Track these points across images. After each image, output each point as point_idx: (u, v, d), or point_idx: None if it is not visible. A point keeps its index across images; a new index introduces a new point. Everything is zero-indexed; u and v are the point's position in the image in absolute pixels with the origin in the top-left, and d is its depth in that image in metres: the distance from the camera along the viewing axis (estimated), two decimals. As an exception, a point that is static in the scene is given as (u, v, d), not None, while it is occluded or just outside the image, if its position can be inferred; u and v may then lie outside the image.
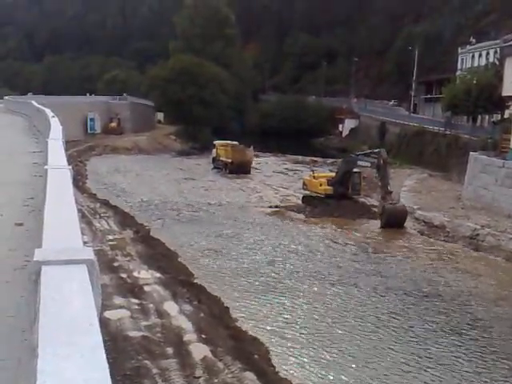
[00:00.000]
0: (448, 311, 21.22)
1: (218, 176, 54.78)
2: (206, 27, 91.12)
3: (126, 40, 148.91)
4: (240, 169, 55.30)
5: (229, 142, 60.27)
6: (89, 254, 3.02)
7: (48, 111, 21.81)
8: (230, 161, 56.29)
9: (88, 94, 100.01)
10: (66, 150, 11.64)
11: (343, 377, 15.92)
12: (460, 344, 18.35)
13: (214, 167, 59.54)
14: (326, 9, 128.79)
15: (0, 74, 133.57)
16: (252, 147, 59.59)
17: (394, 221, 33.33)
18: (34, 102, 32.76)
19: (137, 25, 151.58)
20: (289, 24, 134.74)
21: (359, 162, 37.56)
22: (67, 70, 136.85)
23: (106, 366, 1.90)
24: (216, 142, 61.13)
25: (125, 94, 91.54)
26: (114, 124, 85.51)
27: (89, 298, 2.43)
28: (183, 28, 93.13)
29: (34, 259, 2.92)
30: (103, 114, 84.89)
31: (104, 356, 1.94)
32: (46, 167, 7.20)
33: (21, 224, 7.56)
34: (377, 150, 38.74)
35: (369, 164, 36.83)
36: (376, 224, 34.19)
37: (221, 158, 58.17)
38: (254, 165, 59.95)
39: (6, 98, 58.05)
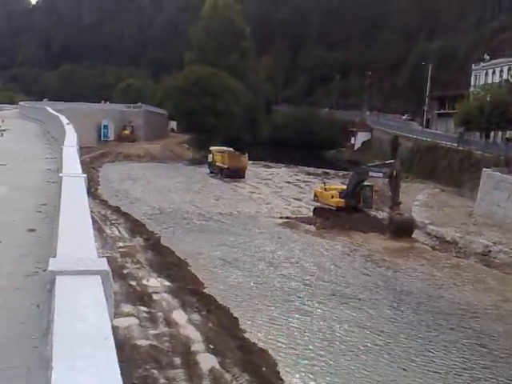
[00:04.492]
0: (460, 328, 21.04)
1: (229, 185, 54.85)
2: (221, 39, 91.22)
3: (141, 50, 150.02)
4: (235, 174, 58.08)
5: (225, 148, 63.01)
6: (103, 264, 3.01)
7: (63, 118, 21.92)
8: (226, 166, 59.06)
9: (103, 101, 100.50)
10: (80, 156, 11.67)
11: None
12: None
13: (210, 172, 62.18)
14: (340, 23, 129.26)
15: (17, 81, 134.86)
16: (247, 154, 61.92)
17: (401, 231, 33.54)
18: (48, 109, 32.94)
19: (153, 35, 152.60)
20: (303, 37, 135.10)
21: (371, 173, 37.43)
22: (82, 78, 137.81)
23: (121, 381, 1.88)
24: (212, 148, 63.69)
25: (139, 103, 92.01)
26: (127, 131, 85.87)
27: (103, 310, 2.41)
28: (198, 39, 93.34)
29: (49, 269, 2.91)
30: (117, 122, 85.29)
31: (118, 371, 1.92)
32: (60, 175, 7.22)
33: (33, 230, 7.57)
34: (389, 162, 38.66)
35: (381, 174, 36.70)
36: (388, 238, 34.07)
37: (217, 164, 61.02)
38: (265, 176, 60.87)
39: (21, 103, 58.46)
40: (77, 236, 3.87)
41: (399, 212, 34.78)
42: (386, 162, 39.77)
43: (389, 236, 33.89)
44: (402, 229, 33.65)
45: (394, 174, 35.22)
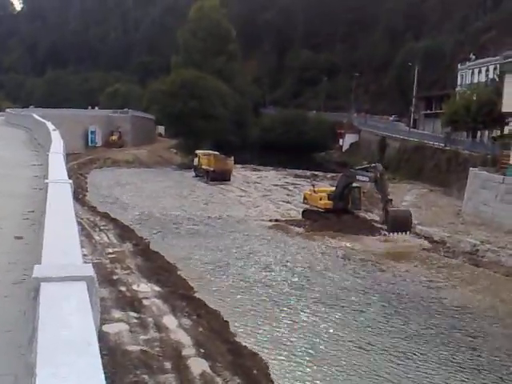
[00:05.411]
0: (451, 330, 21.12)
1: (218, 189, 54.87)
2: (207, 42, 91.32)
3: (127, 54, 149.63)
4: (221, 177, 58.87)
5: (210, 151, 63.93)
6: (88, 270, 3.00)
7: (49, 124, 21.84)
8: (211, 169, 59.73)
9: (90, 107, 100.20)
10: (67, 162, 11.63)
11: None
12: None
13: (196, 175, 62.82)
14: (327, 24, 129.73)
15: (2, 87, 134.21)
16: (232, 157, 62.64)
17: (399, 224, 33.30)
18: (35, 115, 32.81)
19: (139, 39, 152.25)
20: (290, 39, 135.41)
21: (358, 177, 37.61)
22: (69, 83, 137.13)
23: (104, 387, 1.88)
24: (198, 152, 64.38)
25: (126, 109, 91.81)
26: (114, 137, 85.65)
27: (88, 316, 2.40)
28: (185, 42, 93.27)
29: (33, 276, 2.90)
30: (104, 127, 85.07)
31: (102, 377, 1.92)
32: (46, 181, 7.19)
33: (20, 237, 7.53)
34: (373, 165, 38.82)
35: (367, 179, 36.86)
36: (377, 239, 34.18)
37: (203, 167, 61.53)
38: (254, 179, 61.20)
39: (8, 110, 58.22)
40: (62, 242, 3.85)
41: (393, 207, 34.81)
42: (372, 164, 39.80)
43: (388, 230, 33.92)
44: (400, 222, 33.43)
45: (378, 175, 35.30)
